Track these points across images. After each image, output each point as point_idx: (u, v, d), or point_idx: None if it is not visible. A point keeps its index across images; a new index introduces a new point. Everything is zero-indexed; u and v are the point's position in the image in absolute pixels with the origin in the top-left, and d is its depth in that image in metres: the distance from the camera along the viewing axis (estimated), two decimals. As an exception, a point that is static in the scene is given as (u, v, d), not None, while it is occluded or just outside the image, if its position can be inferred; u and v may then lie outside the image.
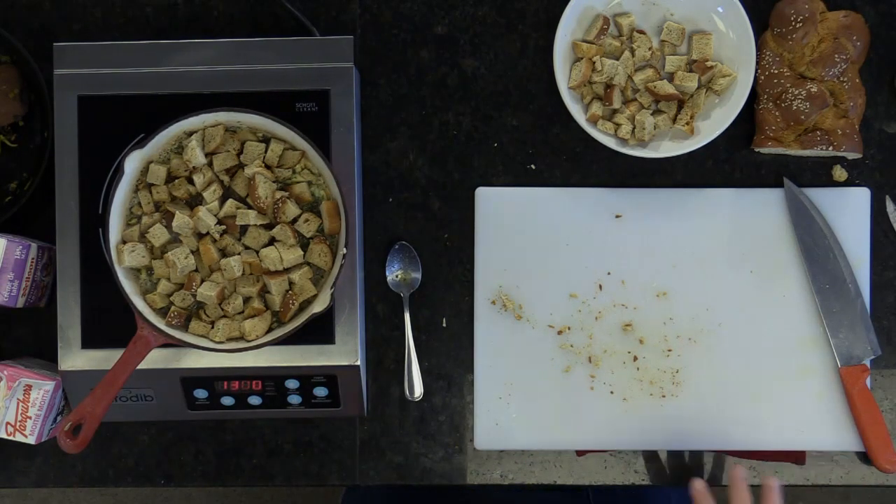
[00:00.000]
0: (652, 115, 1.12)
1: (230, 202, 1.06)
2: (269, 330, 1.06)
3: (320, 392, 1.11)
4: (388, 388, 1.16)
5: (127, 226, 1.07)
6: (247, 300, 1.07)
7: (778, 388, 1.15)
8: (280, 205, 1.05)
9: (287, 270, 1.06)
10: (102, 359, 1.08)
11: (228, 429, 1.17)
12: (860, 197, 1.16)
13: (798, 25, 1.12)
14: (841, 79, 1.13)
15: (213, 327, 1.06)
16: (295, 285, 1.06)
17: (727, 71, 1.12)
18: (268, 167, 1.07)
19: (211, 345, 1.05)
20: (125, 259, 1.04)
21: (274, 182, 1.06)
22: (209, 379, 1.10)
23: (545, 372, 1.15)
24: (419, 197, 1.17)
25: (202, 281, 1.06)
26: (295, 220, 1.06)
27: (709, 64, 1.12)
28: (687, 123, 1.12)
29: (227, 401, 1.11)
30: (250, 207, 1.06)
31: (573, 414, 1.15)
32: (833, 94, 1.13)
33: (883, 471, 1.14)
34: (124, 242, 1.05)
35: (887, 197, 1.16)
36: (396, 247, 1.15)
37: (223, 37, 1.14)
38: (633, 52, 1.12)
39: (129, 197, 1.07)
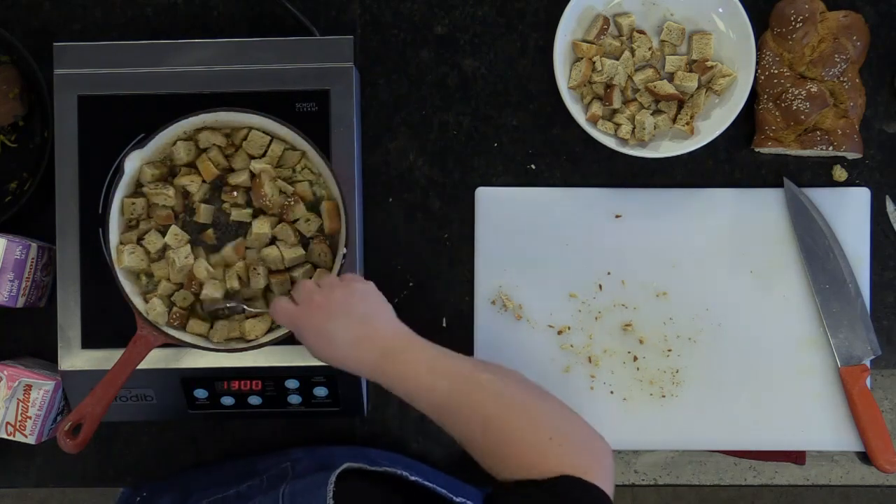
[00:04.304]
0: (652, 115, 1.12)
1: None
2: (269, 330, 1.06)
3: (320, 392, 1.11)
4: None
5: (128, 228, 1.07)
6: (248, 299, 1.07)
7: (778, 388, 1.15)
8: (292, 203, 1.05)
9: (288, 269, 1.06)
10: (102, 359, 1.08)
11: (228, 429, 1.16)
12: (860, 197, 1.16)
13: (798, 25, 1.12)
14: (841, 79, 1.13)
15: (212, 327, 1.06)
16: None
17: (727, 71, 1.12)
18: (268, 167, 1.07)
19: (211, 345, 1.05)
20: (124, 260, 1.04)
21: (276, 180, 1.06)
22: (209, 379, 1.10)
23: (545, 372, 1.15)
24: (419, 197, 1.17)
25: (201, 286, 1.05)
26: (295, 220, 1.06)
27: (709, 64, 1.12)
28: (687, 123, 1.12)
29: (227, 401, 1.11)
30: (247, 207, 1.06)
31: (573, 414, 1.15)
32: (833, 94, 1.13)
33: (883, 471, 1.14)
34: (123, 244, 1.05)
35: (887, 197, 1.16)
36: None
37: (223, 37, 1.14)
38: (633, 52, 1.12)
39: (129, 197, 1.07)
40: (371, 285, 0.99)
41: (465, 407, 0.92)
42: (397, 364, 0.95)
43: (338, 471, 1.00)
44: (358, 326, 0.95)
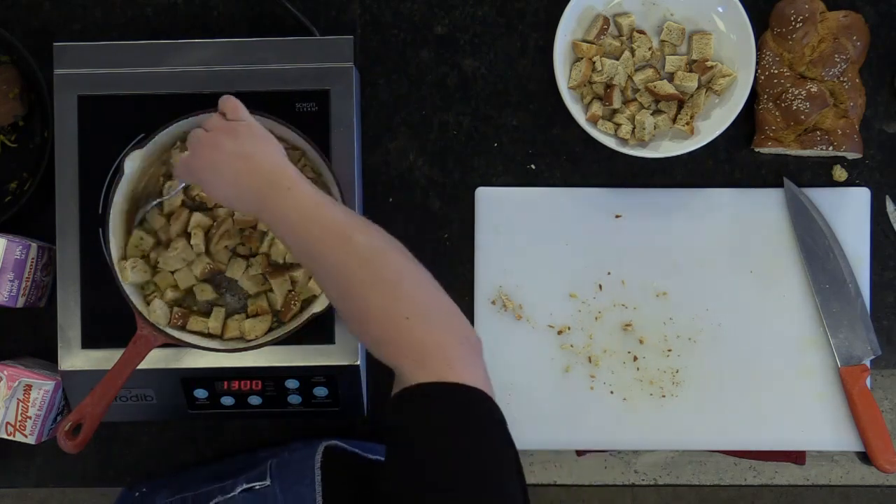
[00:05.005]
0: (652, 115, 1.12)
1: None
2: (269, 330, 1.06)
3: (320, 392, 1.11)
4: (388, 388, 1.16)
5: (128, 233, 1.06)
6: (250, 297, 1.07)
7: (778, 388, 1.15)
8: None
9: (289, 268, 1.06)
10: (102, 359, 1.08)
11: (228, 429, 1.16)
12: (860, 197, 1.16)
13: (798, 25, 1.12)
14: (841, 79, 1.13)
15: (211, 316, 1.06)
16: (297, 284, 1.06)
17: (727, 71, 1.12)
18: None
19: (211, 345, 1.05)
20: (129, 276, 1.04)
21: None
22: (209, 379, 1.10)
23: (545, 372, 1.15)
24: (419, 197, 1.17)
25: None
26: None
27: (709, 64, 1.12)
28: (687, 123, 1.12)
29: (227, 401, 1.11)
30: None
31: (573, 414, 1.15)
32: (833, 94, 1.13)
33: (883, 471, 1.14)
34: (126, 258, 1.05)
35: (887, 197, 1.16)
36: None
37: (223, 37, 1.14)
38: (633, 52, 1.12)
39: (130, 197, 1.07)
40: (255, 124, 0.98)
41: (331, 265, 0.88)
42: (274, 203, 0.92)
43: (326, 443, 1.00)
44: (239, 162, 0.94)
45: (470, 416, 0.80)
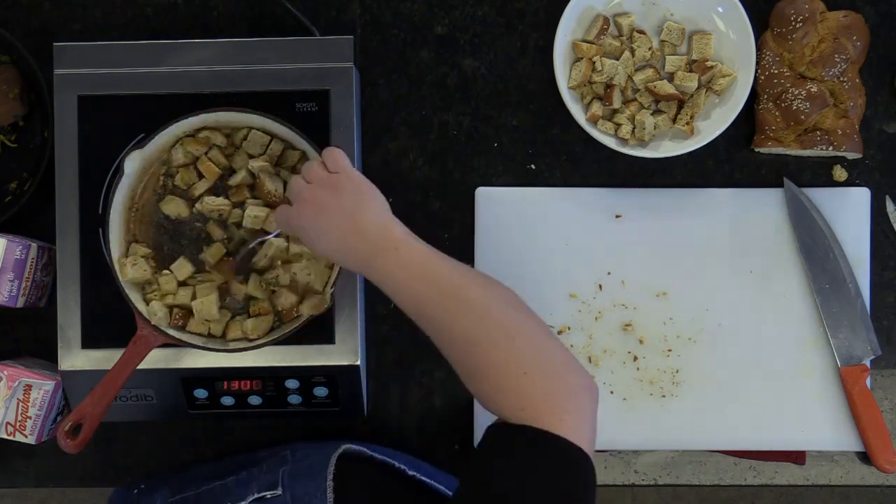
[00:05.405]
0: (652, 115, 1.12)
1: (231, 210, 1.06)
2: (271, 329, 1.06)
3: (320, 392, 1.11)
4: (388, 388, 1.16)
5: (129, 235, 1.06)
6: (252, 298, 1.07)
7: (778, 388, 1.15)
8: None
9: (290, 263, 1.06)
10: (102, 359, 1.08)
11: (228, 429, 1.16)
12: (860, 197, 1.16)
13: (798, 25, 1.12)
14: (841, 79, 1.13)
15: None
16: (300, 283, 1.06)
17: (727, 71, 1.12)
18: (268, 166, 1.07)
19: (210, 345, 1.05)
20: (128, 273, 1.04)
21: (277, 175, 1.07)
22: (209, 379, 1.10)
23: (545, 372, 1.15)
24: (419, 197, 1.17)
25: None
26: None
27: (709, 64, 1.12)
28: (687, 123, 1.12)
29: (227, 401, 1.11)
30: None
31: (573, 414, 1.15)
32: (833, 94, 1.13)
33: (883, 471, 1.14)
34: (126, 256, 1.05)
35: (887, 197, 1.16)
36: None
37: (223, 37, 1.14)
38: (633, 52, 1.12)
39: (129, 197, 1.07)
40: (359, 178, 0.97)
41: (448, 323, 0.88)
42: (383, 263, 0.91)
43: (339, 451, 1.00)
44: (345, 221, 0.93)
45: (560, 470, 0.80)
